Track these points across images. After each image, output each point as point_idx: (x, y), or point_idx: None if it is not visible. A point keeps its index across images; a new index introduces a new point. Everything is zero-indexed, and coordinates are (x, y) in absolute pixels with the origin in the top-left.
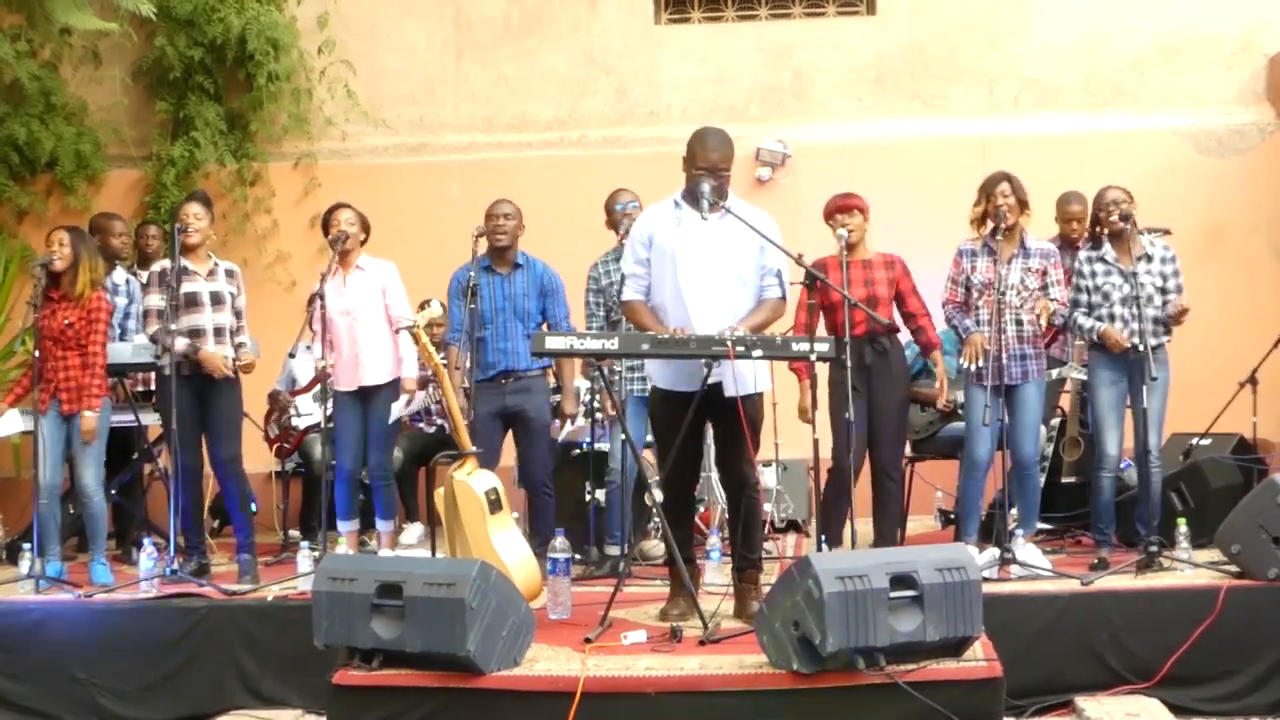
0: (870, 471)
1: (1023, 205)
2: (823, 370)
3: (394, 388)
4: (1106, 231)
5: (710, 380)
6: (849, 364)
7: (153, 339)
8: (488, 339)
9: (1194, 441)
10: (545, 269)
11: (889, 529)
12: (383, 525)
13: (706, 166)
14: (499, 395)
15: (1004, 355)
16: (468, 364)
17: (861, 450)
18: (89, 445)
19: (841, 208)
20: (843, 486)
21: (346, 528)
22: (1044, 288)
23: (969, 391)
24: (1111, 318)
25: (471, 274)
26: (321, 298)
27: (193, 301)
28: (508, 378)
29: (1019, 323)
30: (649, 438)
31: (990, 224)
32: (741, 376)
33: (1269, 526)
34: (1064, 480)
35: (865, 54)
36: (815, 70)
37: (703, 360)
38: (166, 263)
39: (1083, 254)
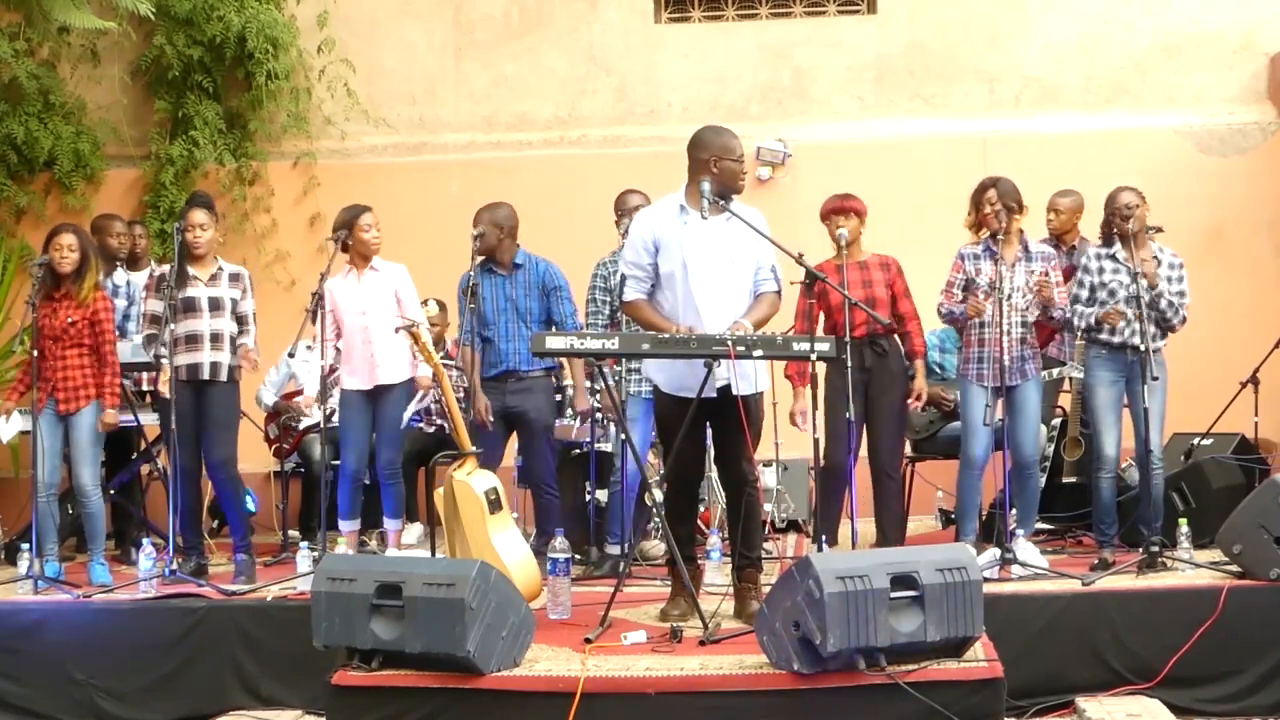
0: (871, 473)
1: (1010, 209)
2: (821, 371)
3: (407, 386)
4: (1118, 232)
5: (717, 384)
6: (849, 365)
7: (146, 345)
8: (493, 339)
9: (1195, 441)
10: (548, 268)
11: (891, 528)
12: (391, 523)
13: (736, 160)
14: (501, 395)
15: (1005, 356)
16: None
17: (858, 451)
18: (87, 444)
19: (838, 209)
20: (835, 487)
21: (348, 526)
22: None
23: (967, 390)
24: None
25: (472, 274)
26: (320, 297)
27: (191, 307)
28: (510, 378)
29: (1024, 324)
30: (653, 436)
31: (986, 230)
32: (744, 375)
33: (1270, 527)
34: (1065, 480)
35: (866, 53)
36: (816, 69)
37: (703, 361)
38: (168, 267)
39: (1092, 250)
